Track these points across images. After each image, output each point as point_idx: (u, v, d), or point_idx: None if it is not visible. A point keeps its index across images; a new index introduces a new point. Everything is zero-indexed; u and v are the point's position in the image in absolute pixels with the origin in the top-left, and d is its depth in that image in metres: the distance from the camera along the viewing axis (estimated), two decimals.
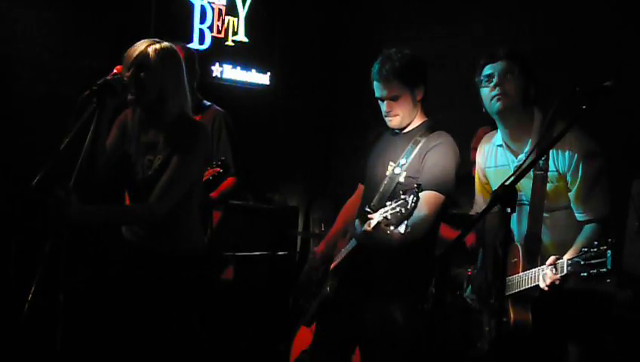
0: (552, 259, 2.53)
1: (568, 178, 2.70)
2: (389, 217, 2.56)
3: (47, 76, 4.52)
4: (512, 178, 2.21)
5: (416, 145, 3.01)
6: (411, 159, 2.99)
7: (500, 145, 2.90)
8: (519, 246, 2.72)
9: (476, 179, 3.11)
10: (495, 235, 2.93)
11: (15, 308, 2.43)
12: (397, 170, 3.01)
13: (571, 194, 2.72)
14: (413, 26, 5.58)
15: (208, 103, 3.88)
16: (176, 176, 2.72)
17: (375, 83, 3.04)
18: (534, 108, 2.81)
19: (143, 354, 2.80)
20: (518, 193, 2.76)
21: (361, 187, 3.34)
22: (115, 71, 2.74)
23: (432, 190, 2.91)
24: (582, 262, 2.41)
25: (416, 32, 5.54)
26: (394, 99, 3.01)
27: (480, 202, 3.10)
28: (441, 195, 2.93)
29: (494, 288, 2.84)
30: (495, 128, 2.99)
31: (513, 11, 4.92)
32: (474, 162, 3.19)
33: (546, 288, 2.53)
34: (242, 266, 4.87)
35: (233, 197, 4.10)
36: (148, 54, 2.69)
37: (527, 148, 2.77)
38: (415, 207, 2.51)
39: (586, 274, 2.39)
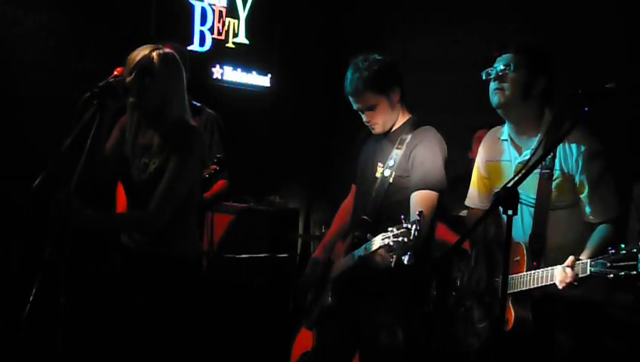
0: (570, 259, 2.49)
1: (576, 179, 2.68)
2: (391, 244, 2.55)
3: (46, 78, 4.52)
4: (514, 180, 2.20)
5: (403, 144, 3.00)
6: (399, 159, 2.98)
7: (505, 140, 2.87)
8: (522, 245, 2.70)
9: (474, 172, 3.08)
10: (487, 233, 2.91)
11: (16, 311, 2.43)
12: (386, 172, 3.01)
13: (583, 196, 2.69)
14: (412, 28, 5.58)
15: (199, 105, 3.87)
16: (174, 182, 2.72)
17: (349, 97, 3.03)
18: (546, 105, 2.76)
19: (141, 356, 2.80)
20: (521, 192, 2.75)
21: (354, 187, 3.34)
22: (115, 73, 2.74)
23: (423, 189, 2.90)
24: (608, 264, 2.36)
25: (416, 33, 5.54)
26: (371, 108, 3.00)
27: (474, 196, 3.07)
28: (433, 193, 2.92)
29: (490, 286, 2.82)
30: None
31: (513, 12, 4.91)
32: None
33: (561, 287, 2.49)
34: (243, 268, 4.87)
35: (225, 199, 4.12)
36: (152, 59, 2.70)
37: (533, 145, 2.74)
38: (418, 236, 2.49)
39: (612, 275, 2.34)
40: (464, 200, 3.14)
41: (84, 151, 2.58)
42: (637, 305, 3.63)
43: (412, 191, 2.93)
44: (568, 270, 2.47)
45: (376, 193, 3.02)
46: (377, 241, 2.64)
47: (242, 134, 4.90)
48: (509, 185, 2.17)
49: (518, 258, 2.69)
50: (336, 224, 3.40)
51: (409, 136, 3.01)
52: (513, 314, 2.65)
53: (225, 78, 5.53)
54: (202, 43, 5.41)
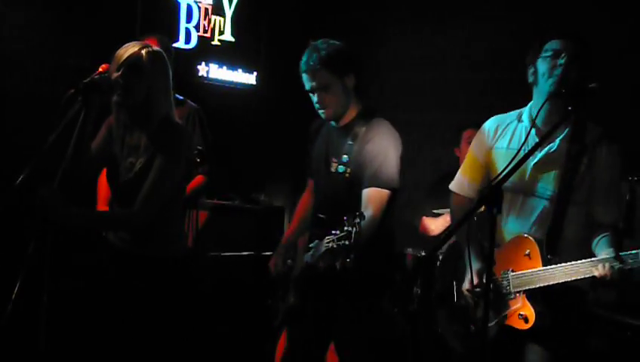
0: (611, 252, 2.50)
1: (601, 173, 2.66)
2: (335, 247, 2.54)
3: (32, 74, 4.49)
4: (499, 178, 2.20)
5: (356, 139, 2.96)
6: (353, 154, 2.95)
7: (527, 127, 2.75)
8: (532, 239, 2.66)
9: (468, 159, 2.98)
10: (471, 226, 2.86)
11: None
12: (340, 168, 2.98)
13: (598, 194, 2.68)
14: (400, 26, 5.59)
15: (181, 98, 3.86)
16: (159, 182, 2.70)
17: (304, 75, 2.99)
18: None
19: (128, 357, 2.79)
20: (533, 183, 2.72)
21: (311, 182, 3.32)
22: (100, 70, 2.72)
23: (373, 186, 2.87)
24: None
25: (404, 32, 5.55)
26: (324, 89, 2.95)
27: (462, 183, 2.98)
28: (384, 190, 2.88)
29: (492, 283, 2.78)
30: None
31: (501, 11, 4.93)
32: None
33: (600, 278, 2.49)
34: (228, 267, 4.86)
35: (203, 194, 4.10)
36: (141, 57, 2.68)
37: (561, 136, 2.67)
38: (358, 239, 2.47)
39: None
40: (447, 197, 3.12)
41: (68, 147, 2.56)
42: (619, 302, 3.65)
43: (363, 188, 2.90)
44: (609, 264, 2.46)
45: (332, 190, 3.00)
46: (323, 246, 2.62)
47: (228, 132, 4.89)
48: (493, 183, 2.17)
49: (528, 251, 2.66)
50: (295, 220, 3.37)
51: (362, 130, 2.97)
52: (533, 311, 2.62)
53: (210, 75, 5.52)
54: (188, 40, 5.39)
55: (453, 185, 3.04)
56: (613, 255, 2.49)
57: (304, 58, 2.98)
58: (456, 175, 3.04)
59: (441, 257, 3.64)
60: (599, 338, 3.58)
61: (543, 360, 2.68)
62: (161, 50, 2.81)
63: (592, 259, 2.52)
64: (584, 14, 4.43)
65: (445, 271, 3.20)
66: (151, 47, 2.75)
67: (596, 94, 2.43)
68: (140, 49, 2.70)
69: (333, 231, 2.56)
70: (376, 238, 2.81)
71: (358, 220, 2.49)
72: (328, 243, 2.58)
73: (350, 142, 2.97)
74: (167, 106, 2.80)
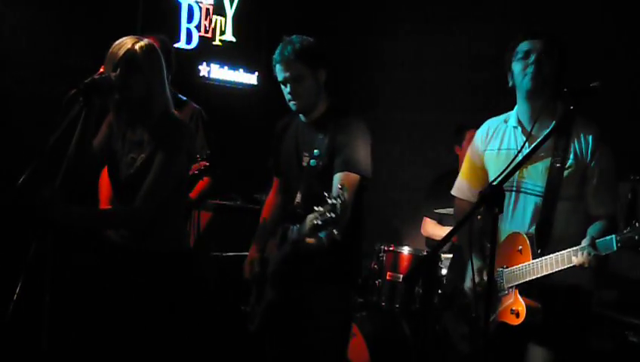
0: (588, 239, 2.52)
1: (592, 165, 2.68)
2: (320, 223, 2.53)
3: (32, 74, 4.49)
4: (499, 178, 2.21)
5: (327, 132, 3.00)
6: (324, 147, 2.99)
7: (515, 127, 2.83)
8: (524, 234, 2.69)
9: (466, 163, 3.03)
10: (473, 226, 2.87)
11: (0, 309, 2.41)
12: (312, 162, 3.01)
13: (590, 187, 2.70)
14: (400, 26, 5.59)
15: (184, 98, 3.86)
16: (160, 177, 2.70)
17: (277, 66, 3.04)
18: (558, 97, 2.73)
19: (130, 354, 2.79)
20: (522, 180, 2.75)
21: (277, 181, 3.34)
22: (101, 70, 2.72)
23: (343, 170, 2.90)
24: (636, 237, 2.40)
25: (404, 32, 5.56)
26: (296, 79, 3.00)
27: (463, 187, 3.02)
28: (353, 175, 2.90)
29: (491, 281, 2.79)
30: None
31: (502, 12, 4.93)
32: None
33: (579, 266, 2.51)
34: (229, 266, 4.85)
35: (210, 196, 4.10)
36: (136, 52, 2.68)
37: (546, 131, 2.68)
38: (343, 208, 2.48)
39: None
40: (448, 197, 3.13)
41: (69, 147, 2.56)
42: (621, 301, 3.66)
43: (334, 174, 2.93)
44: (587, 251, 2.48)
45: (305, 183, 3.02)
46: (308, 222, 2.61)
47: (229, 132, 4.88)
48: (494, 183, 2.17)
49: (520, 247, 2.68)
50: (263, 221, 3.37)
51: (332, 123, 3.01)
52: (524, 305, 2.63)
53: (212, 75, 5.52)
54: (189, 41, 5.39)
55: (454, 191, 3.07)
56: (588, 242, 2.51)
57: (278, 50, 3.04)
58: (457, 180, 3.06)
59: (447, 260, 3.65)
60: (600, 337, 3.58)
61: (545, 360, 2.69)
62: (152, 42, 2.80)
63: (571, 249, 2.54)
64: (584, 14, 4.44)
65: (453, 273, 3.20)
66: (142, 39, 2.74)
67: (598, 93, 2.43)
68: (133, 44, 2.69)
69: (315, 209, 2.56)
70: (348, 225, 2.78)
71: (341, 192, 2.51)
72: (313, 220, 2.56)
73: (321, 137, 3.01)
74: (165, 99, 2.81)
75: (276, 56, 3.04)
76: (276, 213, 3.32)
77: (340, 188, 2.53)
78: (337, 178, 2.90)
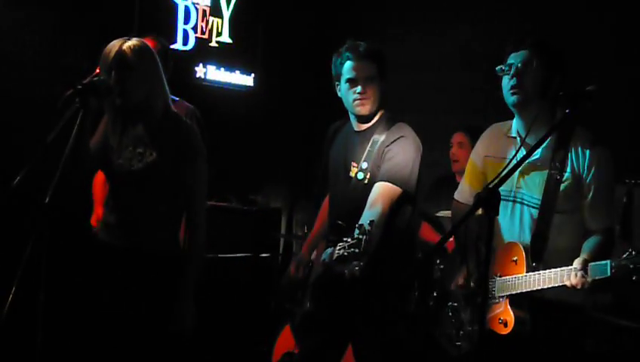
0: (580, 261, 2.49)
1: (585, 182, 2.66)
2: (345, 255, 2.52)
3: (29, 75, 4.49)
4: (495, 180, 2.20)
5: (376, 144, 2.95)
6: (373, 159, 2.94)
7: (514, 137, 2.80)
8: (520, 246, 2.67)
9: (469, 167, 3.00)
10: (469, 231, 2.87)
11: None
12: (360, 175, 2.96)
13: (587, 201, 2.67)
14: (400, 27, 5.59)
15: (176, 98, 3.86)
16: (203, 185, 2.84)
17: (349, 64, 2.95)
18: (557, 105, 2.70)
19: (124, 354, 2.78)
20: (519, 190, 2.74)
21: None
22: (97, 71, 2.72)
23: (385, 181, 2.85)
24: (631, 266, 2.37)
25: (403, 32, 5.55)
26: (369, 80, 2.94)
27: (465, 191, 2.99)
28: (394, 187, 2.85)
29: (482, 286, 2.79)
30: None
31: (502, 13, 4.94)
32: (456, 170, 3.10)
33: (571, 287, 2.49)
34: (225, 268, 4.85)
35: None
36: (124, 52, 2.67)
37: (544, 145, 2.66)
38: (367, 247, 2.47)
39: (635, 277, 2.36)
40: (447, 200, 3.13)
41: (65, 148, 2.56)
42: (616, 305, 3.66)
43: (376, 182, 2.89)
44: (580, 273, 2.46)
45: (351, 196, 2.97)
46: (335, 253, 2.61)
47: (225, 133, 4.89)
48: (490, 185, 2.17)
49: (516, 258, 2.67)
50: (318, 223, 3.37)
51: (383, 136, 2.96)
52: (512, 316, 2.63)
53: (208, 77, 5.52)
54: (185, 42, 5.39)
55: (457, 194, 3.06)
56: (580, 266, 2.48)
57: (351, 48, 2.95)
58: (460, 183, 3.06)
59: (442, 264, 3.65)
60: (595, 341, 3.58)
61: None
62: (143, 41, 2.79)
63: (565, 268, 2.52)
64: (584, 14, 4.44)
65: (446, 276, 3.20)
66: (131, 39, 2.73)
67: (594, 97, 2.43)
68: (121, 45, 2.69)
69: (344, 239, 2.54)
70: (390, 242, 2.79)
71: (369, 228, 2.48)
72: (339, 249, 2.55)
73: (370, 149, 2.96)
74: (164, 94, 2.82)
75: (350, 52, 2.94)
76: (326, 223, 3.29)
77: (370, 224, 2.50)
78: (377, 187, 2.85)
